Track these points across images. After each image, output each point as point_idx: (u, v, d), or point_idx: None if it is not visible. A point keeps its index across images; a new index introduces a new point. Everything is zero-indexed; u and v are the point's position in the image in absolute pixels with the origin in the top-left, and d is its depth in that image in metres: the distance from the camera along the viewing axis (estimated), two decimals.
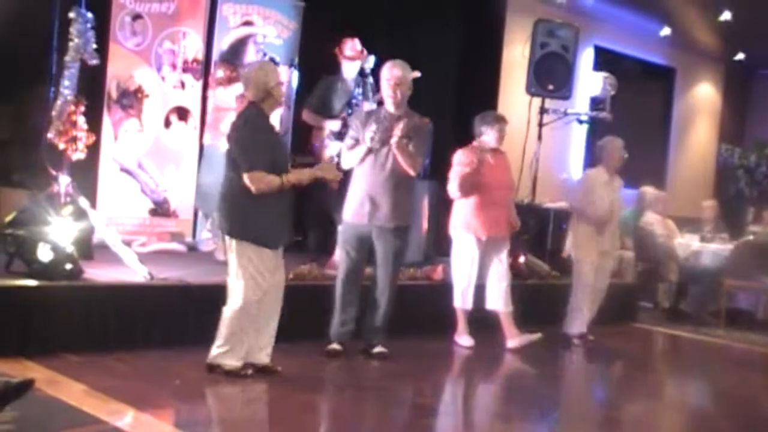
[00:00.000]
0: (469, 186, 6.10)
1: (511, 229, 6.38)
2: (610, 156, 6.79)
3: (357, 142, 5.48)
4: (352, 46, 6.85)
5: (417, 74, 6.32)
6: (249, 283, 4.66)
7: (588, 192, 6.76)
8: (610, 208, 6.70)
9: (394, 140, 5.33)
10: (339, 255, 5.65)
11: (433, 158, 8.30)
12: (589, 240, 6.73)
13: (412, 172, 5.47)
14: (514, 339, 6.22)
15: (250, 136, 4.70)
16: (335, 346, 5.49)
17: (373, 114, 5.61)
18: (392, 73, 5.48)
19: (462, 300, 6.24)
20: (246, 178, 4.60)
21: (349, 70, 6.84)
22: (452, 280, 6.31)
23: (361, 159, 5.45)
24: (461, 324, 6.30)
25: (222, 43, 7.39)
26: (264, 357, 4.85)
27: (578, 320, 6.78)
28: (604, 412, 5.26)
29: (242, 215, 4.68)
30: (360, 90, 6.87)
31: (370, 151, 5.42)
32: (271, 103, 4.83)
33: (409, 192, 5.61)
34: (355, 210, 5.50)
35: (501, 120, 6.33)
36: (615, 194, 6.84)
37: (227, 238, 4.74)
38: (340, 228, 5.69)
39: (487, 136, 6.23)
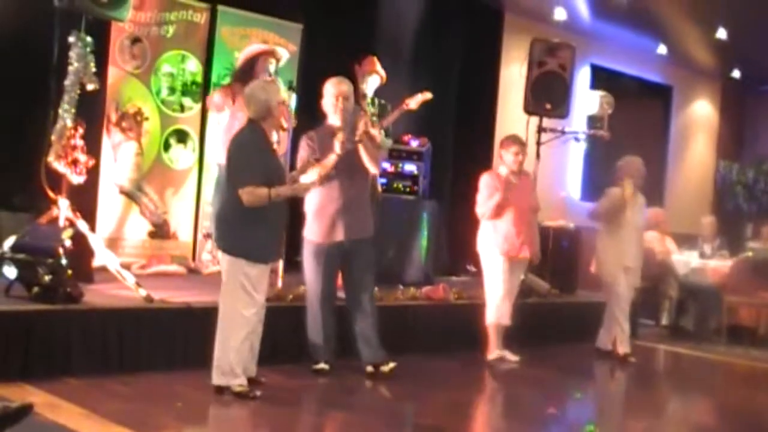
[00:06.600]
0: (495, 210, 6.19)
1: (531, 263, 6.51)
2: (629, 175, 6.95)
3: (314, 161, 5.38)
4: (372, 60, 6.91)
5: (429, 96, 6.40)
6: (245, 299, 4.70)
7: (609, 202, 6.94)
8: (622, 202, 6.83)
9: (360, 132, 5.48)
10: (309, 275, 5.55)
11: (433, 178, 8.32)
12: (613, 255, 6.89)
13: (374, 170, 5.71)
14: (495, 353, 6.34)
15: (244, 153, 4.80)
16: (323, 365, 5.48)
17: (321, 131, 5.61)
18: (340, 88, 5.57)
19: (496, 316, 6.28)
20: (240, 194, 4.68)
21: (370, 85, 6.89)
22: (486, 297, 6.34)
23: (327, 175, 5.43)
24: (493, 340, 6.36)
25: (236, 61, 7.40)
26: (251, 370, 4.90)
27: (609, 335, 7.01)
28: (609, 429, 5.23)
29: (239, 231, 4.74)
30: (374, 109, 6.90)
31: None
32: (271, 121, 4.94)
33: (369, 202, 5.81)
34: (326, 230, 5.50)
35: (516, 142, 6.39)
36: (636, 212, 6.97)
37: (222, 254, 4.83)
38: (309, 249, 5.56)
39: (506, 159, 6.33)
